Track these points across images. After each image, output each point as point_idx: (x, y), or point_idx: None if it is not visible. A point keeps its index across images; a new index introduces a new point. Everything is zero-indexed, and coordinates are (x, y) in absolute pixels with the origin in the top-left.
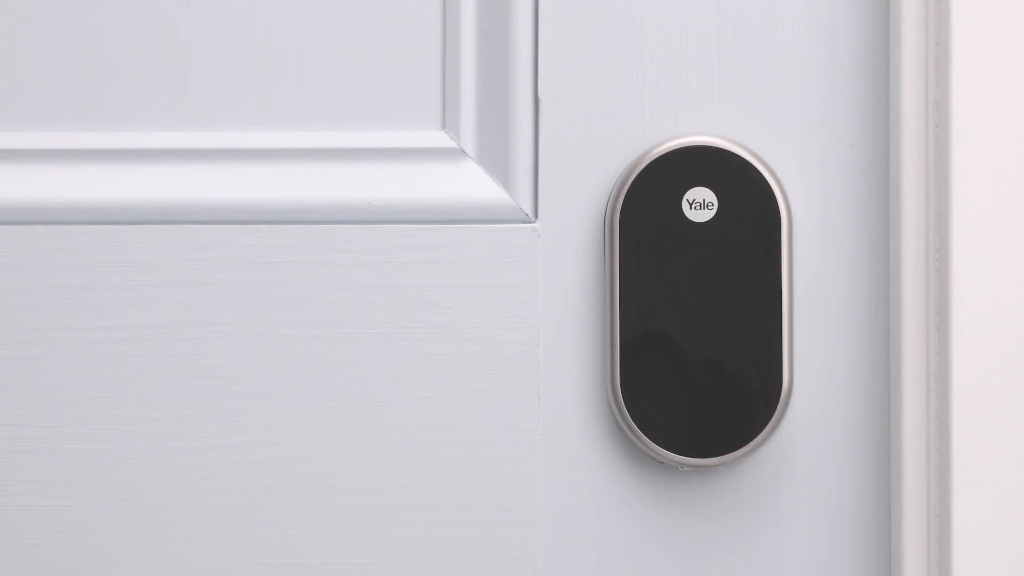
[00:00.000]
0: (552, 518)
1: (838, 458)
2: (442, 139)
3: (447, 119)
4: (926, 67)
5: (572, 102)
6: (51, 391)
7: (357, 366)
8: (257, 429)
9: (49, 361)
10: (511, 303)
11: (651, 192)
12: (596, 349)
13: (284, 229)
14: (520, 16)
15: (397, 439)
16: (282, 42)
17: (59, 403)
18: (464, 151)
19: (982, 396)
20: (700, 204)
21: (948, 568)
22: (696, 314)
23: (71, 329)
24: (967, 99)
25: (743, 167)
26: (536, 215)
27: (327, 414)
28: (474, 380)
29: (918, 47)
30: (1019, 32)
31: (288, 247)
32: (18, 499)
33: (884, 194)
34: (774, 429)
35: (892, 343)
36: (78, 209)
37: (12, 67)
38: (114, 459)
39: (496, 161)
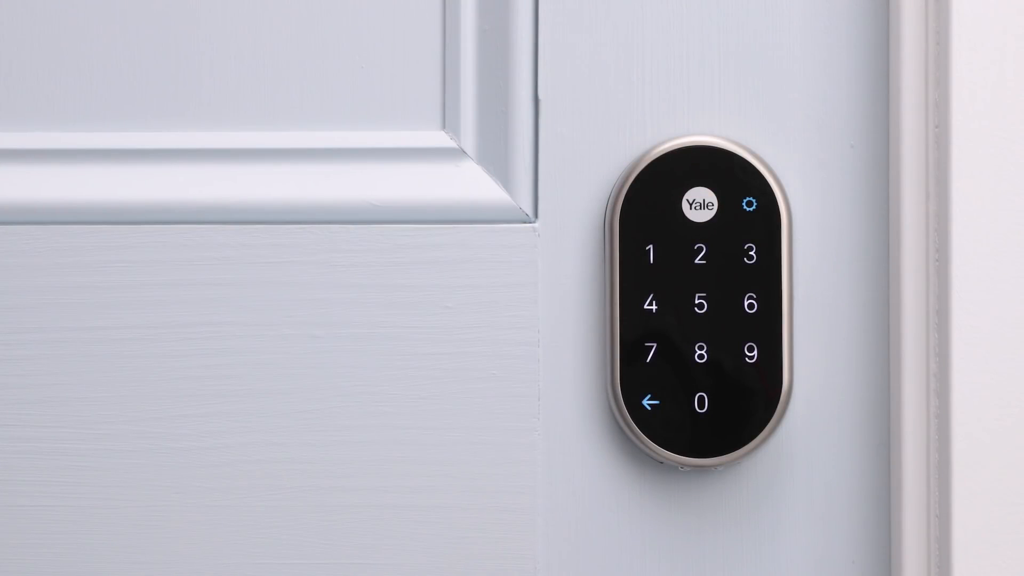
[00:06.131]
0: (552, 518)
1: (838, 458)
2: (442, 139)
3: (447, 119)
4: (926, 67)
5: (572, 102)
6: (51, 391)
7: (357, 366)
8: (257, 429)
9: (49, 361)
10: (511, 303)
11: (651, 192)
12: (596, 349)
13: (284, 229)
14: (520, 16)
15: (397, 439)
16: (282, 42)
17: (59, 403)
18: (464, 151)
19: (982, 396)
20: (700, 204)
21: (948, 568)
22: (696, 314)
23: (71, 329)
24: (967, 99)
25: (743, 167)
26: (536, 215)
27: (327, 414)
28: (474, 380)
29: (918, 47)
30: (1019, 32)
31: (288, 247)
32: (18, 499)
33: (884, 194)
34: (774, 429)
35: (892, 343)
36: (78, 209)
37: (12, 66)
38: (114, 459)
39: (496, 161)
